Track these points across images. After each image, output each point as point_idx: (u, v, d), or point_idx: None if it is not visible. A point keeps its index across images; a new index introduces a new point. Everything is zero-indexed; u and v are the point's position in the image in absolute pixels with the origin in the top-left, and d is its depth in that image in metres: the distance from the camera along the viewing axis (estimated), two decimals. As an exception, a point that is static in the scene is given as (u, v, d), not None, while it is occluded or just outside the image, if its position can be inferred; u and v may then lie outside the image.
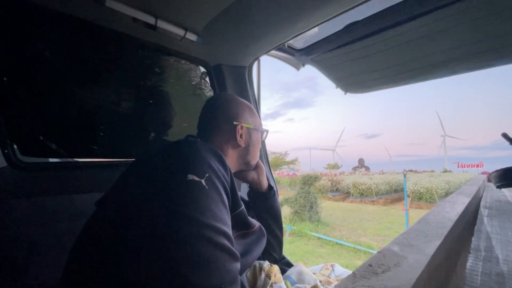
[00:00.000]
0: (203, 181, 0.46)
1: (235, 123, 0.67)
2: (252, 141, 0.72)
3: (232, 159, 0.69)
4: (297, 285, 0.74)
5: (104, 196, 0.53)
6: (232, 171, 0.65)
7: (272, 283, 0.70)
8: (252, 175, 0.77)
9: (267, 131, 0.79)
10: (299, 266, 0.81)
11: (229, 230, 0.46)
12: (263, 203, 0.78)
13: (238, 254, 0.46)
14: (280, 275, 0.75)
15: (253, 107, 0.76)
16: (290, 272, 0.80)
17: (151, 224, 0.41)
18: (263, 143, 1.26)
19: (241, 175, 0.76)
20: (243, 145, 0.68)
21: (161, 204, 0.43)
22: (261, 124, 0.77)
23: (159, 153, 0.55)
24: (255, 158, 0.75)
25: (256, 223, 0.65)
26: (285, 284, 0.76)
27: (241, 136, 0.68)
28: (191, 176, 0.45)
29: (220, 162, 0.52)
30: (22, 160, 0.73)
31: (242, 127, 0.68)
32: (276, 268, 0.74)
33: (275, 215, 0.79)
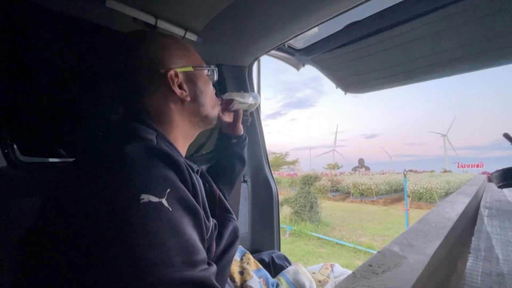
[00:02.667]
0: (164, 201, 0.32)
1: (162, 71, 0.47)
2: (199, 88, 0.52)
3: (183, 123, 0.51)
4: None
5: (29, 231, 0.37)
6: (190, 139, 0.56)
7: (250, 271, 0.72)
8: (228, 118, 0.73)
9: (214, 68, 0.58)
10: (297, 266, 0.81)
11: (203, 255, 0.35)
12: (237, 147, 0.78)
13: (214, 281, 0.35)
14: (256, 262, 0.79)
15: (183, 41, 0.55)
16: (287, 270, 0.80)
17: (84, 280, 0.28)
18: (262, 143, 1.26)
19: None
20: (188, 98, 0.50)
21: (103, 248, 0.29)
22: (202, 61, 0.55)
23: (88, 166, 0.37)
24: (212, 108, 0.57)
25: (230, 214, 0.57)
26: (280, 281, 0.77)
27: (180, 86, 0.49)
28: (146, 197, 0.31)
29: (171, 161, 0.38)
30: (22, 160, 0.73)
31: (176, 74, 0.48)
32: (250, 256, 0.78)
33: (243, 159, 0.80)
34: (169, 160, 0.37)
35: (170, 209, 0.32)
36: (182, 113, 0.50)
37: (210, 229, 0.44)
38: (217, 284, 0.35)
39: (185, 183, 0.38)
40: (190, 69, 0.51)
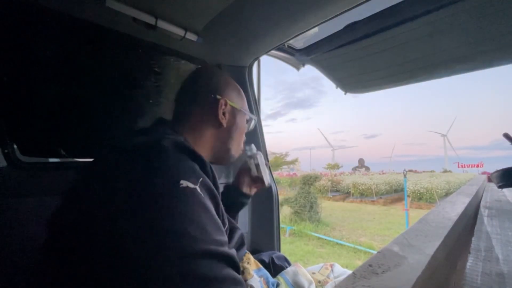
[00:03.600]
0: (197, 188, 0.37)
1: (218, 97, 0.58)
2: (236, 124, 0.61)
3: (209, 141, 0.58)
4: None
5: (55, 217, 0.41)
6: (208, 158, 0.60)
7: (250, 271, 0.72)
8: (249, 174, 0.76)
9: (255, 119, 0.70)
10: (297, 267, 0.81)
11: (226, 238, 0.39)
12: (234, 205, 0.78)
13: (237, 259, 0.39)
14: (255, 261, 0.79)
15: (241, 90, 0.66)
16: (286, 271, 0.80)
17: (134, 258, 0.31)
18: (262, 143, 1.26)
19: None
20: (225, 125, 0.58)
21: (147, 223, 0.32)
22: (248, 111, 0.67)
23: (127, 156, 0.41)
24: (237, 147, 0.64)
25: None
26: (280, 281, 0.77)
27: (223, 113, 0.58)
28: (184, 182, 0.36)
29: (199, 159, 0.44)
30: (22, 160, 0.73)
31: (226, 104, 0.58)
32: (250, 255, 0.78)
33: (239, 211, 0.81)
34: (194, 155, 0.43)
35: (202, 195, 0.37)
36: (212, 135, 0.58)
37: (226, 225, 0.48)
38: (239, 262, 0.38)
39: (207, 176, 0.42)
40: (237, 106, 0.61)
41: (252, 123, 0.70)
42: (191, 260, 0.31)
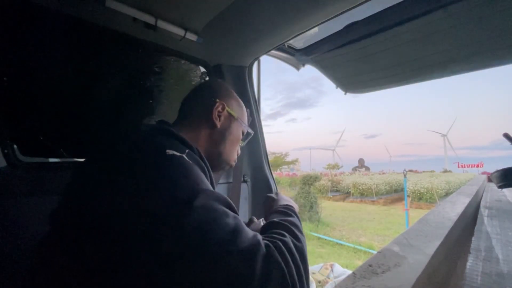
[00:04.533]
0: (185, 156, 0.40)
1: (217, 100, 0.59)
2: (230, 130, 0.62)
3: (203, 142, 0.59)
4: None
5: (60, 209, 0.43)
6: None
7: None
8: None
9: (251, 134, 0.70)
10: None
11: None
12: None
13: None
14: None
15: (243, 104, 0.68)
16: None
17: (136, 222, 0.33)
18: (262, 143, 1.26)
19: None
20: (218, 126, 0.59)
21: (144, 187, 0.35)
22: (247, 124, 0.68)
23: (115, 146, 0.45)
24: (229, 153, 0.63)
25: None
26: None
27: (218, 115, 0.59)
28: (170, 151, 0.39)
29: (183, 140, 0.47)
30: (22, 160, 0.73)
31: (223, 107, 0.60)
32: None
33: None
34: (176, 137, 0.47)
35: (191, 162, 0.40)
36: (206, 135, 0.59)
37: None
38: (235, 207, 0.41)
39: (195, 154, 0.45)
40: (234, 115, 0.62)
41: (247, 140, 0.70)
42: (186, 209, 0.33)
